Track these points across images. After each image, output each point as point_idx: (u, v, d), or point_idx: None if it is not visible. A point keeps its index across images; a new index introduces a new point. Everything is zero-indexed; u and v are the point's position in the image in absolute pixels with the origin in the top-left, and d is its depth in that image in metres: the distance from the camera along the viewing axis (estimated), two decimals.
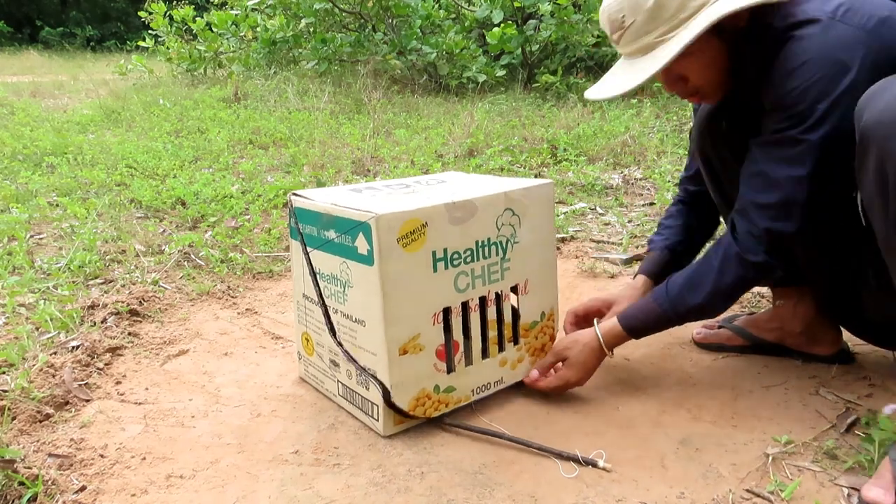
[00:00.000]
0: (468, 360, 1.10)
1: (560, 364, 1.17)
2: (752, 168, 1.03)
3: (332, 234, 1.05)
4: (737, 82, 1.08)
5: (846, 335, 1.26)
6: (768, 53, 0.98)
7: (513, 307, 1.16)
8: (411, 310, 1.01)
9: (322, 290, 1.10)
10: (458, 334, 1.08)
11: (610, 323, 1.14)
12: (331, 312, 1.10)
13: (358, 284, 1.02)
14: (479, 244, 1.08)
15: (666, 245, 1.32)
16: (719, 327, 1.36)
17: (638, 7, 0.99)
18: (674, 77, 1.07)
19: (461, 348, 1.08)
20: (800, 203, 0.98)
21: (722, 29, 0.98)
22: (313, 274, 1.12)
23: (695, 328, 1.39)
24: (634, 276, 1.33)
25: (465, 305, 1.08)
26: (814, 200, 0.98)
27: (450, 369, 1.07)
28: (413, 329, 1.01)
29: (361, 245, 0.99)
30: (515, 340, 1.17)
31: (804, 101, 0.93)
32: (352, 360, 1.07)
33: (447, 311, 1.06)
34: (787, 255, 1.04)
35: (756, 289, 1.42)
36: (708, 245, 1.36)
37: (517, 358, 1.18)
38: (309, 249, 1.11)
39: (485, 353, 1.12)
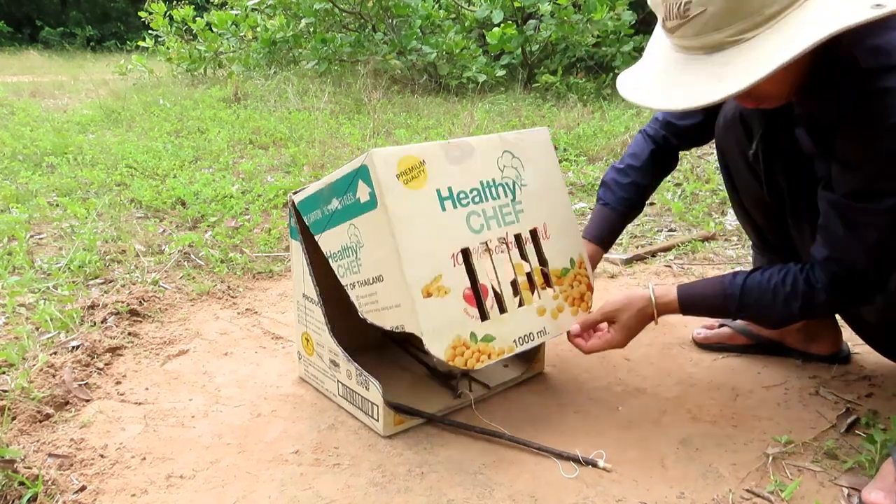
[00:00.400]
0: (502, 308, 1.05)
1: (605, 325, 1.13)
2: (834, 225, 0.93)
3: (335, 204, 1.04)
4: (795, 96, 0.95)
5: (847, 335, 1.26)
6: (853, 97, 0.85)
7: (538, 251, 1.12)
8: (426, 248, 0.98)
9: (337, 270, 1.08)
10: (483, 278, 1.03)
11: (666, 292, 1.09)
12: (348, 290, 1.06)
13: (368, 239, 1.00)
14: (485, 184, 1.06)
15: (618, 206, 1.26)
16: (720, 326, 1.36)
17: None
18: None
19: (490, 293, 1.04)
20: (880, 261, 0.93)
21: None
22: (313, 274, 1.12)
23: (695, 328, 1.39)
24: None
25: (485, 247, 1.04)
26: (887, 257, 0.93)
27: (483, 316, 1.02)
28: (433, 269, 0.98)
29: (363, 192, 0.98)
30: (549, 287, 1.12)
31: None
32: (351, 360, 1.07)
33: (466, 253, 1.02)
34: (856, 296, 1.00)
35: None
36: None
37: (556, 307, 1.12)
38: (318, 236, 1.10)
39: (519, 301, 1.07)
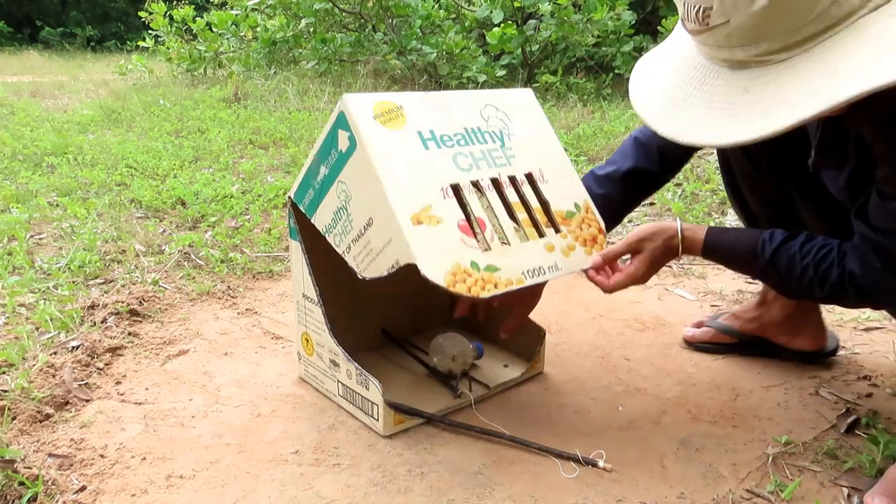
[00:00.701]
0: (504, 239, 0.98)
1: (627, 256, 1.04)
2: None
3: (322, 171, 1.03)
4: None
5: (846, 335, 1.26)
6: None
7: (537, 193, 1.06)
8: (412, 181, 0.94)
9: (333, 241, 1.05)
10: (479, 211, 0.98)
11: (694, 231, 1.01)
12: (347, 258, 1.02)
13: (355, 188, 0.97)
14: (470, 130, 1.02)
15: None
16: (704, 325, 1.35)
17: (738, 3, 0.62)
18: None
19: (489, 226, 0.98)
20: None
21: None
22: (313, 274, 1.12)
23: (684, 327, 1.40)
24: None
25: (476, 185, 0.99)
26: None
27: (484, 247, 0.96)
28: (421, 200, 0.93)
29: (343, 141, 0.96)
30: (555, 228, 1.05)
31: None
32: (351, 360, 1.07)
33: (457, 188, 0.97)
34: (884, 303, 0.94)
35: (732, 296, 1.42)
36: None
37: (567, 245, 1.04)
38: (313, 217, 1.09)
39: (523, 237, 1.01)
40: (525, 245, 1.00)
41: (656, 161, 1.17)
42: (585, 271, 1.05)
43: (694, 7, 0.67)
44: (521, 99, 1.14)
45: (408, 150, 0.96)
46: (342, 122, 0.96)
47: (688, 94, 0.73)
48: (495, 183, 1.02)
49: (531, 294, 1.19)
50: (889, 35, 0.58)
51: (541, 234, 1.02)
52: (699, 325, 1.37)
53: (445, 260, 0.91)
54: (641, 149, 1.19)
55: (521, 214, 1.02)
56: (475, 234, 0.96)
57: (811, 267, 0.91)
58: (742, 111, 0.67)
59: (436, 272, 0.89)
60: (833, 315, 1.46)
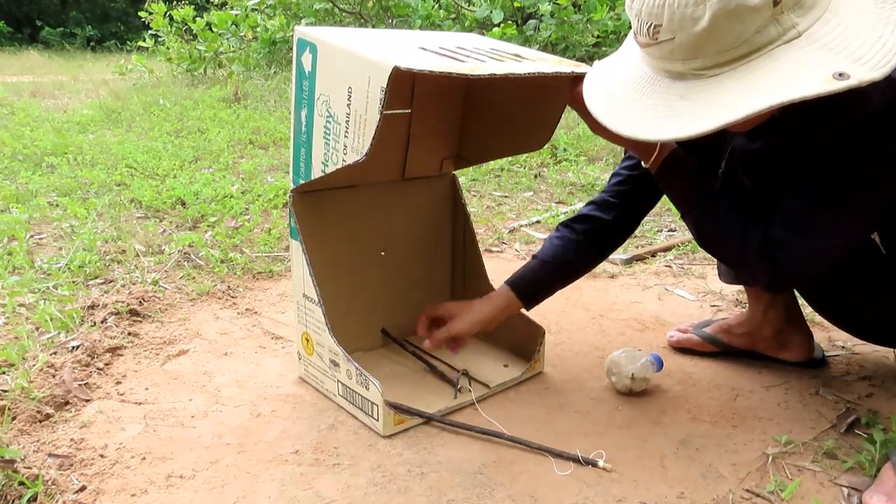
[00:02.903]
0: (481, 59, 1.01)
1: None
2: (816, 207, 0.92)
3: (304, 115, 1.08)
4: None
5: (845, 336, 1.26)
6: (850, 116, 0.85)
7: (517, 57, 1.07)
8: (379, 49, 0.94)
9: (331, 171, 1.05)
10: (456, 53, 1.01)
11: (669, 145, 1.03)
12: (348, 161, 1.01)
13: (330, 83, 1.00)
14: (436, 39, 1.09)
15: (552, 261, 1.19)
16: (690, 332, 1.35)
17: (684, 24, 0.74)
18: None
19: (468, 58, 1.01)
20: (854, 248, 0.96)
21: None
22: (313, 274, 1.12)
23: (668, 331, 1.40)
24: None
25: (450, 50, 1.02)
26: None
27: (463, 62, 0.97)
28: (392, 56, 0.91)
29: (307, 62, 1.03)
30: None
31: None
32: (351, 360, 1.07)
33: (424, 49, 1.00)
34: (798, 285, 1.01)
35: (732, 297, 1.41)
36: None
37: (555, 61, 1.08)
38: (312, 179, 1.09)
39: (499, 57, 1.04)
40: (502, 63, 1.00)
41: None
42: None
43: (646, 24, 0.78)
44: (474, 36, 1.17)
45: (372, 35, 1.01)
46: (301, 45, 1.01)
47: (635, 97, 0.84)
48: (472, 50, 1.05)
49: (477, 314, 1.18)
50: (798, 63, 0.72)
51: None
52: (684, 331, 1.37)
53: (426, 64, 0.90)
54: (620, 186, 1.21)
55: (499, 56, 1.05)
56: (454, 57, 0.98)
57: (737, 220, 0.98)
58: (678, 113, 0.78)
59: (416, 66, 0.87)
60: None
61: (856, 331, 1.15)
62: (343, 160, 1.02)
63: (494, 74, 0.93)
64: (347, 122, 0.99)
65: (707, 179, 1.02)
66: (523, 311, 1.21)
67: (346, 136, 1.00)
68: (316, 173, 1.07)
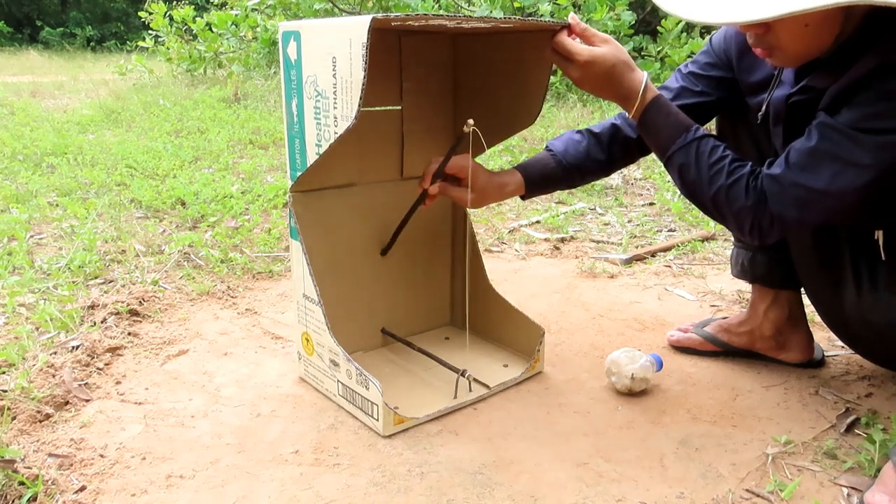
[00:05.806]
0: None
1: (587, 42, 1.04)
2: (821, 145, 0.90)
3: (294, 105, 1.08)
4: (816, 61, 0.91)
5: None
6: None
7: None
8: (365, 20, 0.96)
9: (325, 135, 1.04)
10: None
11: (651, 91, 1.03)
12: (341, 126, 1.01)
13: (316, 62, 1.01)
14: None
15: (563, 162, 1.20)
16: (691, 331, 1.35)
17: None
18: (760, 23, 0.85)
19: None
20: (841, 210, 0.91)
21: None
22: (313, 274, 1.12)
23: (668, 331, 1.40)
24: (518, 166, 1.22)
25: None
26: (854, 210, 0.91)
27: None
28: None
29: (292, 51, 1.04)
30: None
31: None
32: (351, 360, 1.07)
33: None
34: (781, 235, 0.98)
35: (732, 297, 1.41)
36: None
37: None
38: (309, 168, 1.09)
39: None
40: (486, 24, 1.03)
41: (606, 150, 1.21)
42: (564, 27, 1.03)
43: None
44: None
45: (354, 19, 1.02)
46: (286, 37, 1.03)
47: None
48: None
49: (485, 179, 1.17)
50: None
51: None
52: (685, 330, 1.37)
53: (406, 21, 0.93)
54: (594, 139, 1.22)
55: None
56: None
57: (723, 169, 0.97)
58: (770, 6, 0.76)
59: (395, 22, 0.91)
60: None
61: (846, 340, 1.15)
62: (335, 133, 1.02)
63: (477, 27, 0.95)
64: (335, 92, 1.00)
65: (691, 125, 1.02)
66: (523, 310, 1.21)
67: (335, 108, 1.01)
68: (311, 158, 1.07)
